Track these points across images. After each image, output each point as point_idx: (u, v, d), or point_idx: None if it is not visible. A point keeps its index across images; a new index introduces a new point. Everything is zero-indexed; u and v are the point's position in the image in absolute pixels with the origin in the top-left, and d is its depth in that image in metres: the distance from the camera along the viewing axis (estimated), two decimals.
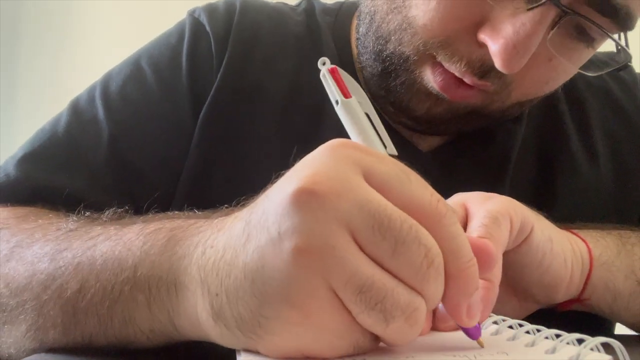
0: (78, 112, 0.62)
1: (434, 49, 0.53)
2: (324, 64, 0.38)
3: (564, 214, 0.56)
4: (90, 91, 0.63)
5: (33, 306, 0.41)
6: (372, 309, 0.30)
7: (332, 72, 0.37)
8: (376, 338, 0.32)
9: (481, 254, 0.34)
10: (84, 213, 0.48)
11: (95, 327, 0.39)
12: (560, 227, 0.52)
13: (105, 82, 0.63)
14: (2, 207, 0.55)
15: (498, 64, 0.49)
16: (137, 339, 0.39)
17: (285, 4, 0.71)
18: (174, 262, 0.36)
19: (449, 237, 0.32)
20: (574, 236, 0.52)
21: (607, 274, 0.52)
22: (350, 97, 0.37)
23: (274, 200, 0.31)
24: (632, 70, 0.71)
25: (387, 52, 0.56)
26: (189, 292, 0.34)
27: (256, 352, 0.33)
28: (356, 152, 0.32)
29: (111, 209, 0.48)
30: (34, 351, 0.42)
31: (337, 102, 0.38)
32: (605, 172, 0.66)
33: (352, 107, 0.37)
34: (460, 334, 0.39)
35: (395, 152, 0.37)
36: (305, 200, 0.30)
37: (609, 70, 0.56)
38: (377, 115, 0.38)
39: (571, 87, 0.67)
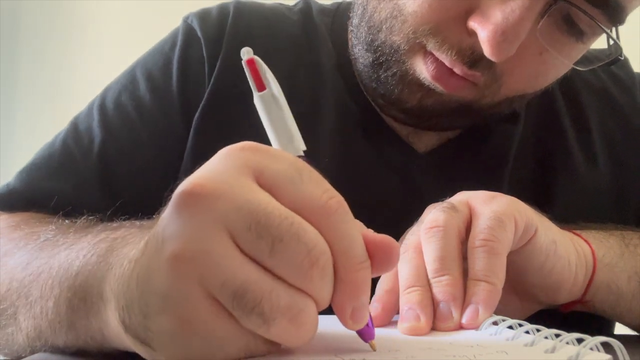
0: (76, 124, 0.65)
1: (424, 36, 0.53)
2: (245, 54, 0.37)
3: (563, 214, 0.56)
4: (90, 104, 0.67)
5: (11, 313, 0.44)
6: (250, 313, 0.29)
7: (249, 64, 0.36)
8: (271, 340, 0.31)
9: (380, 253, 0.32)
10: (64, 220, 0.51)
11: (47, 331, 0.41)
12: (562, 228, 0.51)
13: (104, 94, 0.66)
14: (1, 215, 0.59)
15: (487, 50, 0.49)
16: (79, 346, 0.40)
17: (282, 5, 0.71)
18: (104, 272, 0.35)
19: (338, 235, 0.30)
20: (577, 237, 0.52)
21: (611, 276, 0.52)
22: (264, 90, 0.36)
23: (166, 206, 0.30)
24: (630, 70, 0.71)
25: (379, 41, 0.57)
26: (109, 303, 0.34)
27: None
28: (250, 153, 0.31)
29: (83, 217, 0.49)
30: (22, 352, 0.45)
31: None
32: (603, 172, 0.66)
33: (265, 100, 0.36)
34: (461, 334, 0.40)
35: (303, 148, 0.36)
36: (185, 203, 0.29)
37: (600, 64, 0.56)
38: (289, 112, 0.37)
39: (568, 86, 0.68)
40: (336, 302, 0.31)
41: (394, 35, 0.55)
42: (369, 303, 0.33)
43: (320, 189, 0.31)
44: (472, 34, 0.51)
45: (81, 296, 0.37)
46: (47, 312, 0.40)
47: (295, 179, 0.31)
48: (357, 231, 0.31)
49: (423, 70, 0.54)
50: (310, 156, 0.36)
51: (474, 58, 0.52)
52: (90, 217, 0.50)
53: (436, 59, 0.53)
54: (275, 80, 0.36)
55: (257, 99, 0.36)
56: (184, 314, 0.29)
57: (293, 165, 0.31)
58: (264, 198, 0.30)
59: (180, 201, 0.29)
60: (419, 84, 0.55)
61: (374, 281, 0.40)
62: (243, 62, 0.36)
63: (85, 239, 0.41)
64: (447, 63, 0.52)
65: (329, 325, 0.35)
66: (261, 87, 0.36)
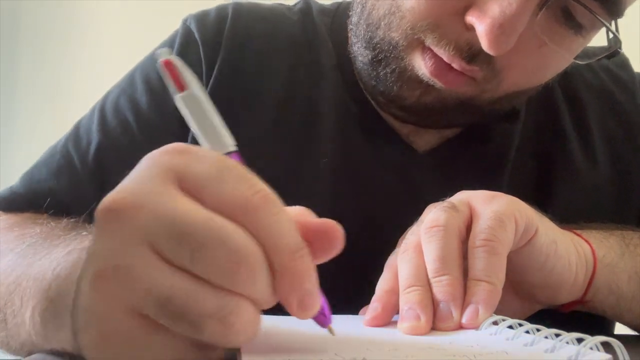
0: (78, 127, 0.66)
1: (422, 32, 0.53)
2: (161, 55, 0.36)
3: (562, 214, 0.55)
4: (93, 107, 0.67)
5: (1, 318, 0.45)
6: (178, 320, 0.28)
7: (166, 65, 0.35)
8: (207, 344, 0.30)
9: (321, 237, 0.32)
10: (49, 222, 0.52)
11: (28, 341, 0.42)
12: (563, 228, 0.51)
13: (105, 97, 0.67)
14: (2, 216, 0.61)
15: (484, 44, 0.49)
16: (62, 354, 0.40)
17: (281, 5, 0.71)
18: (70, 288, 0.35)
19: (267, 230, 0.30)
20: (578, 237, 0.52)
21: (611, 276, 0.52)
22: (183, 91, 0.35)
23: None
24: (631, 70, 0.71)
25: (377, 38, 0.57)
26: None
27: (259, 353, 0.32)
28: (173, 156, 0.31)
29: (65, 219, 0.50)
30: (18, 354, 0.46)
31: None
32: (603, 172, 0.66)
33: (186, 101, 0.35)
34: (461, 334, 0.40)
35: (231, 144, 0.35)
36: (106, 219, 0.29)
37: (599, 57, 0.56)
38: (213, 110, 0.36)
39: (569, 86, 0.67)
40: (280, 295, 0.31)
41: (392, 32, 0.55)
42: (316, 287, 0.32)
43: (244, 186, 0.30)
44: (470, 28, 0.51)
45: (52, 310, 0.38)
46: (26, 323, 0.41)
47: (217, 179, 0.30)
48: (287, 221, 0.31)
49: (422, 66, 0.54)
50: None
51: (472, 53, 0.52)
52: (72, 220, 0.50)
53: (434, 55, 0.53)
54: (196, 78, 0.36)
55: (177, 100, 0.35)
56: (106, 330, 0.29)
57: (215, 164, 0.31)
58: (184, 205, 0.29)
59: (102, 218, 0.29)
60: (417, 80, 0.55)
61: (345, 270, 0.39)
62: (158, 64, 0.35)
63: (57, 250, 0.42)
64: (445, 58, 0.52)
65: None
66: (181, 87, 0.35)
